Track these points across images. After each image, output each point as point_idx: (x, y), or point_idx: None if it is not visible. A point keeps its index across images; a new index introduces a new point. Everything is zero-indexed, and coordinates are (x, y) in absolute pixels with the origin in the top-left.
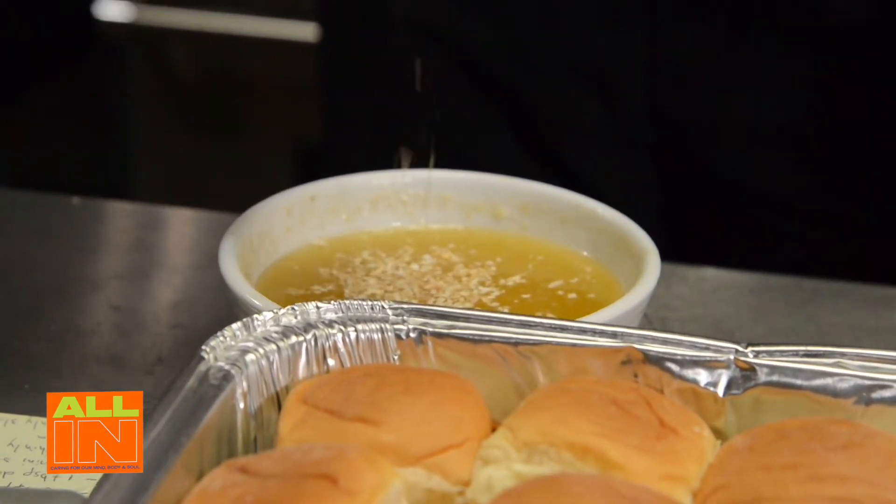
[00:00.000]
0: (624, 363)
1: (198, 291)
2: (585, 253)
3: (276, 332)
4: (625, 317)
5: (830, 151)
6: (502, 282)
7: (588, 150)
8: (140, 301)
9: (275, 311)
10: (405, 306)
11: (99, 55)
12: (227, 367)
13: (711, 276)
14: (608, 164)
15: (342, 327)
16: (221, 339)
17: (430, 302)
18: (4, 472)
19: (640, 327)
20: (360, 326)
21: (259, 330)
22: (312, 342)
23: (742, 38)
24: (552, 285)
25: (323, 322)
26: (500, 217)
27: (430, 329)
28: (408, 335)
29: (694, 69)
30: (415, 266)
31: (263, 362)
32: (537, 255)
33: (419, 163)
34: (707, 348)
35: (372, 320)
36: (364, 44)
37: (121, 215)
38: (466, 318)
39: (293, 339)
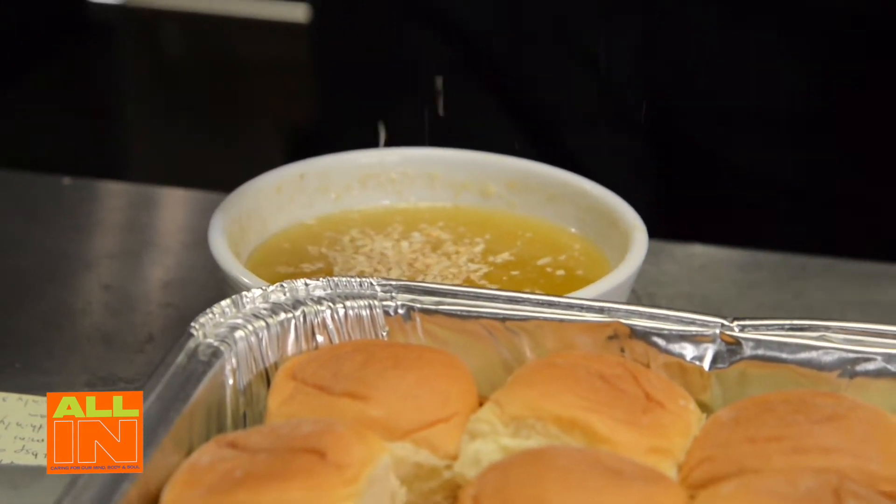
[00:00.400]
0: (611, 338)
1: (189, 271)
2: (573, 230)
3: (265, 309)
4: (612, 293)
5: (823, 133)
6: (491, 259)
7: (582, 131)
8: (131, 280)
9: (264, 288)
10: (393, 283)
11: (90, 36)
12: (216, 343)
13: (699, 252)
14: (602, 145)
15: (331, 304)
16: (211, 315)
17: (419, 279)
18: None
19: (627, 303)
20: (348, 303)
21: (248, 307)
22: (301, 319)
23: (737, 21)
24: (540, 262)
25: (312, 299)
26: (489, 194)
27: (419, 305)
28: (396, 311)
29: (689, 52)
30: (404, 244)
31: (252, 339)
32: (525, 232)
33: (411, 141)
34: (693, 323)
35: (360, 297)
36: (355, 25)
37: (112, 195)
38: (454, 295)
39: (282, 315)
